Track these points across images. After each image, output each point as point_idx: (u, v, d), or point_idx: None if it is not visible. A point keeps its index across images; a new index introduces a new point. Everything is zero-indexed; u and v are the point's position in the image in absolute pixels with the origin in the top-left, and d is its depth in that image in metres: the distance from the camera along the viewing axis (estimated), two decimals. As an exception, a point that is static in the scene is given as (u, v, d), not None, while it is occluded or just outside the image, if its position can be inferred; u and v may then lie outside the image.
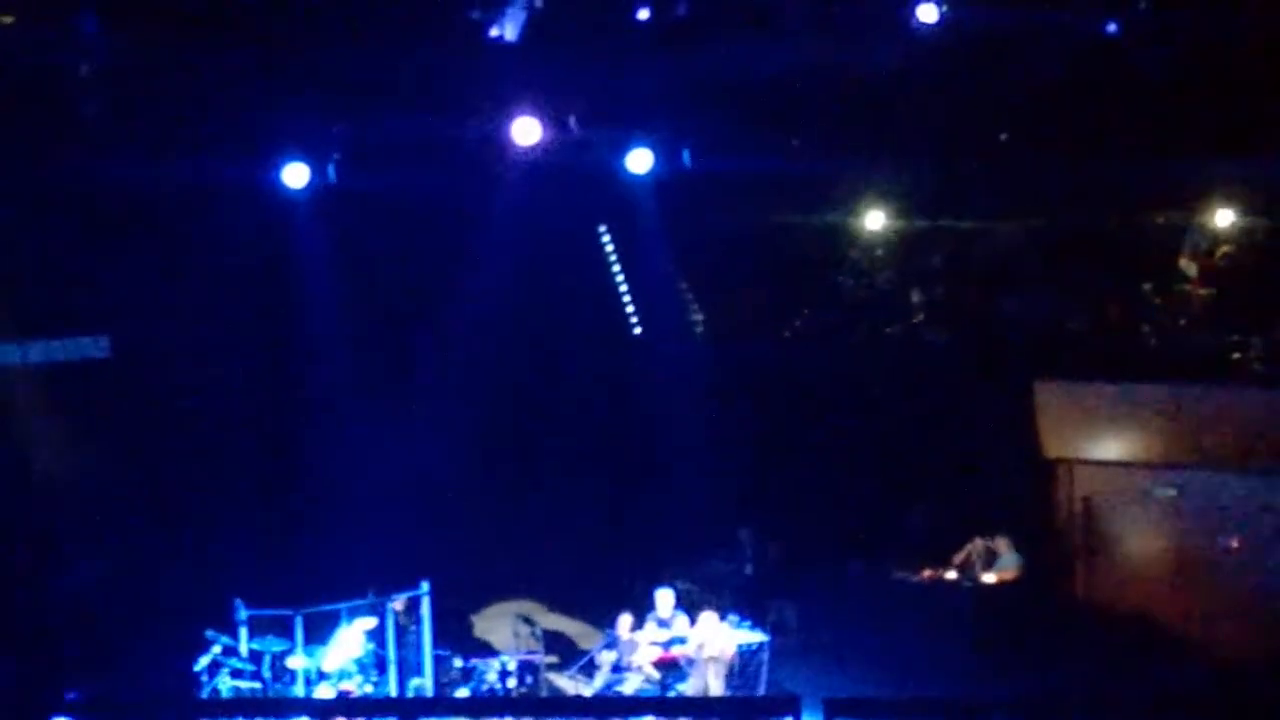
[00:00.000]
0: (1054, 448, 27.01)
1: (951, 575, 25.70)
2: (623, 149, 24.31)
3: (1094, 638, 25.07)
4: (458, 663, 22.70)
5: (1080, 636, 25.03)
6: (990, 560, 25.59)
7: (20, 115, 21.47)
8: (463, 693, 22.17)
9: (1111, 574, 26.54)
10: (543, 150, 23.64)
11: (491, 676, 22.39)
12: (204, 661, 21.20)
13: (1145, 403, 26.45)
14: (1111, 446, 26.63)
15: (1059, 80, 24.34)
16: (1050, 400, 27.06)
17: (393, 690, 22.18)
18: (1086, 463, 26.81)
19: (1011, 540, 25.56)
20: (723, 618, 22.84)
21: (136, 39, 21.10)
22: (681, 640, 22.60)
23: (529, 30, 21.85)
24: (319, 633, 21.90)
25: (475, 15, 21.83)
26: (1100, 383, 26.93)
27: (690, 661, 22.46)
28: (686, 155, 24.35)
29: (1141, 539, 26.36)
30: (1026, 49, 23.81)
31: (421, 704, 18.65)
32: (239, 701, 20.93)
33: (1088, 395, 27.04)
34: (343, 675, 21.67)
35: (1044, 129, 25.35)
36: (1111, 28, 23.48)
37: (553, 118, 23.39)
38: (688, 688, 22.28)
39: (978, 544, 25.70)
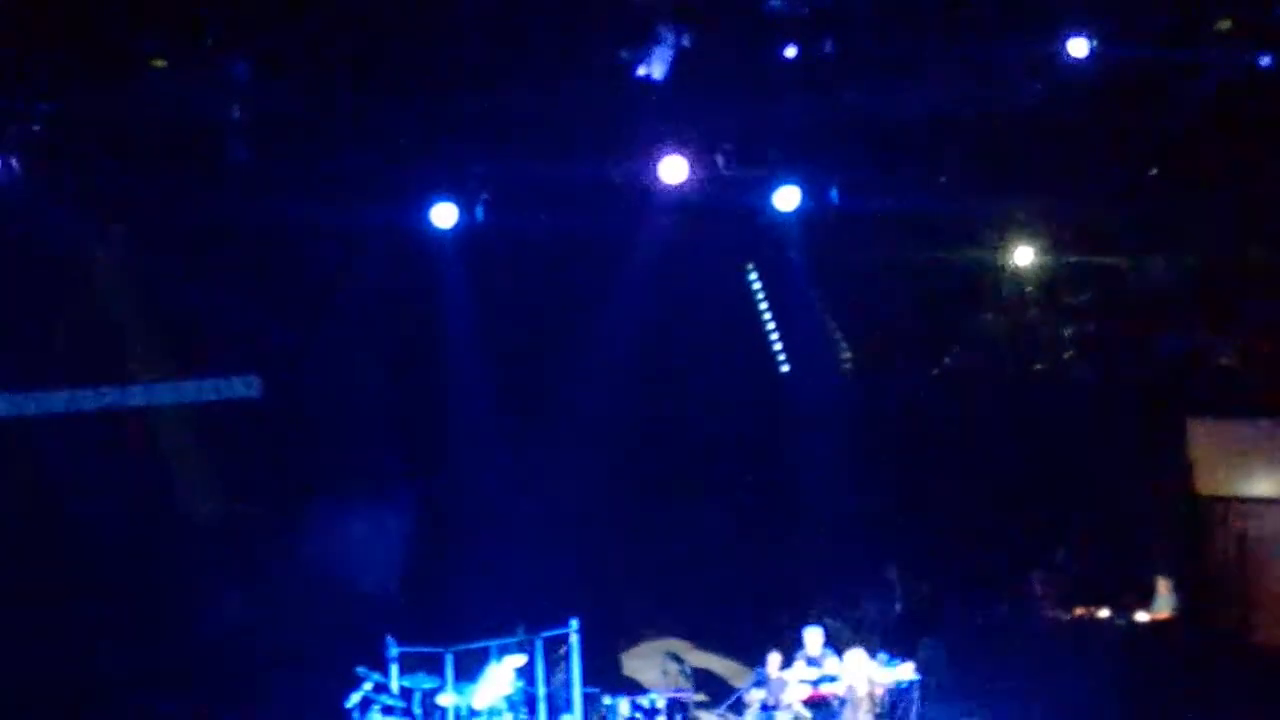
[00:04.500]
0: (1208, 485, 26.65)
1: (1104, 614, 25.40)
2: (770, 187, 24.31)
3: (1250, 679, 24.65)
4: (607, 700, 22.71)
5: (1236, 678, 24.62)
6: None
7: (171, 158, 21.71)
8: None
9: (1268, 614, 26.14)
10: (690, 188, 23.69)
11: (624, 709, 22.43)
12: (355, 698, 21.29)
13: (1300, 440, 26.16)
14: (1267, 484, 26.27)
15: (1210, 114, 24.04)
16: (1203, 437, 26.72)
17: (542, 728, 22.30)
18: (1242, 500, 26.45)
19: (1171, 580, 25.27)
20: (872, 656, 22.72)
21: (287, 84, 21.28)
22: (832, 679, 22.48)
23: (676, 69, 21.88)
24: (469, 670, 21.97)
25: (623, 54, 21.90)
26: (1254, 419, 26.59)
27: (841, 700, 22.34)
28: (834, 193, 24.34)
29: (1299, 578, 26.04)
30: (1177, 82, 23.54)
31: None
32: (390, 738, 21.20)
33: (1242, 432, 26.68)
34: (493, 713, 21.72)
35: (1195, 163, 25.02)
36: (1264, 60, 23.17)
37: (700, 156, 23.42)
38: (838, 727, 22.22)
39: (1162, 583, 25.42)
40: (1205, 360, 27.50)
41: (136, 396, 24.20)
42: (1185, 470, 26.73)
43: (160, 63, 21.03)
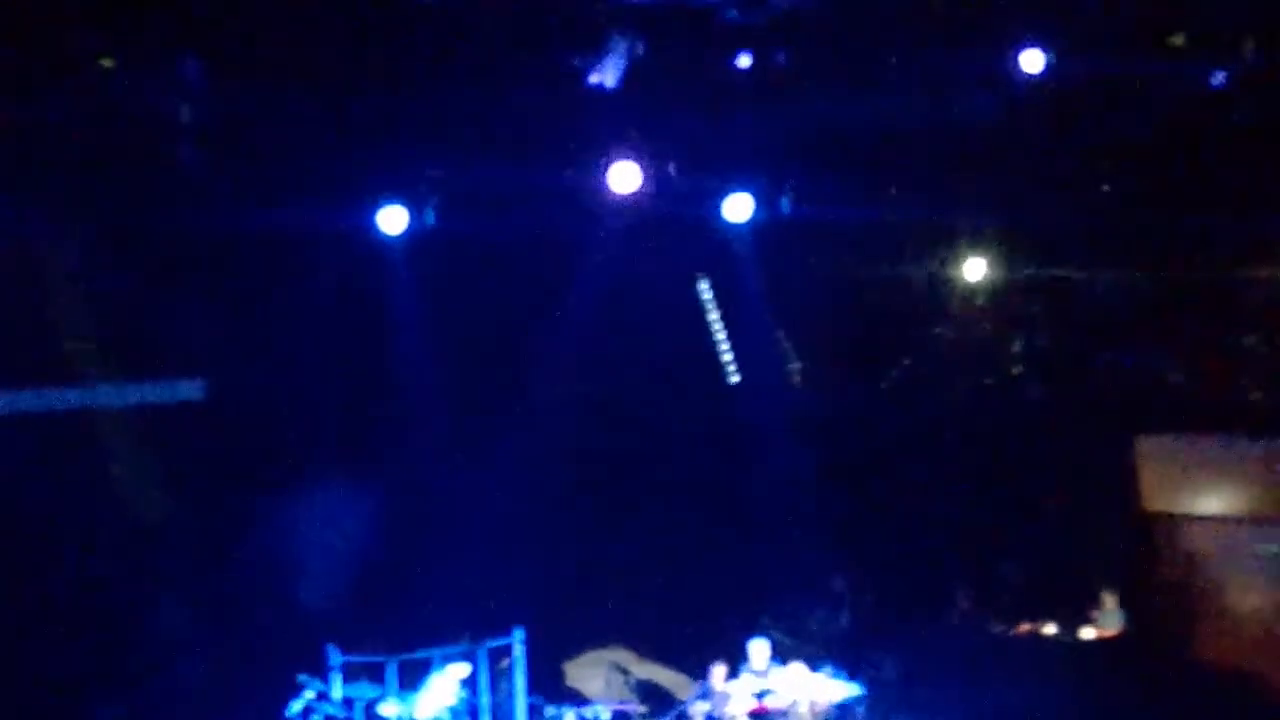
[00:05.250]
0: (1154, 502, 26.69)
1: (1050, 630, 25.40)
2: (721, 196, 24.23)
3: (1195, 696, 24.69)
4: (550, 711, 22.60)
5: (1182, 695, 24.66)
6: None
7: (118, 159, 21.52)
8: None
9: (1213, 631, 26.17)
10: (641, 196, 23.58)
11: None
12: (296, 707, 21.20)
13: (1247, 457, 26.13)
14: (1213, 501, 26.32)
15: (1164, 130, 24.07)
16: (1151, 454, 26.76)
17: (484, 739, 22.20)
18: (1188, 518, 26.49)
19: (1117, 596, 25.31)
20: (816, 669, 22.67)
21: (237, 84, 21.13)
22: (773, 692, 22.46)
23: (629, 76, 21.80)
24: (412, 679, 21.85)
25: (576, 61, 21.82)
26: (1201, 437, 26.63)
27: (783, 713, 22.28)
28: (786, 203, 24.27)
29: (1243, 595, 26.01)
30: (1131, 99, 23.56)
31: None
32: (331, 747, 21.07)
33: (1189, 449, 26.72)
34: (434, 722, 21.64)
35: (1148, 180, 25.05)
36: (1218, 78, 23.20)
37: (651, 164, 23.32)
38: (782, 740, 22.16)
39: (1109, 599, 25.46)
40: (1154, 377, 27.55)
41: (79, 398, 23.96)
42: (1133, 486, 26.76)
43: (108, 61, 20.84)
